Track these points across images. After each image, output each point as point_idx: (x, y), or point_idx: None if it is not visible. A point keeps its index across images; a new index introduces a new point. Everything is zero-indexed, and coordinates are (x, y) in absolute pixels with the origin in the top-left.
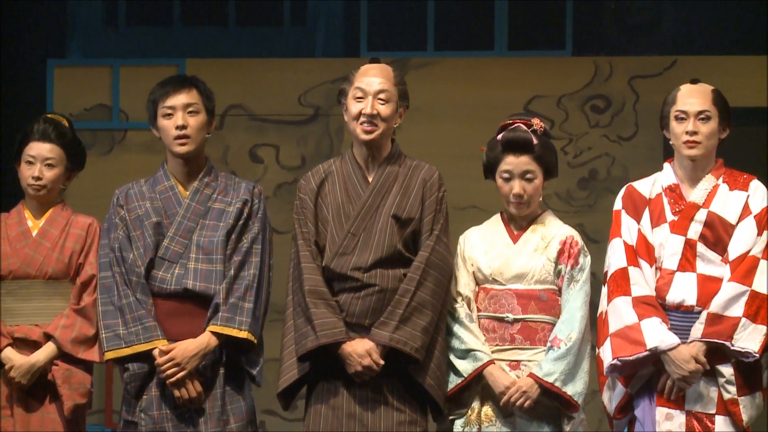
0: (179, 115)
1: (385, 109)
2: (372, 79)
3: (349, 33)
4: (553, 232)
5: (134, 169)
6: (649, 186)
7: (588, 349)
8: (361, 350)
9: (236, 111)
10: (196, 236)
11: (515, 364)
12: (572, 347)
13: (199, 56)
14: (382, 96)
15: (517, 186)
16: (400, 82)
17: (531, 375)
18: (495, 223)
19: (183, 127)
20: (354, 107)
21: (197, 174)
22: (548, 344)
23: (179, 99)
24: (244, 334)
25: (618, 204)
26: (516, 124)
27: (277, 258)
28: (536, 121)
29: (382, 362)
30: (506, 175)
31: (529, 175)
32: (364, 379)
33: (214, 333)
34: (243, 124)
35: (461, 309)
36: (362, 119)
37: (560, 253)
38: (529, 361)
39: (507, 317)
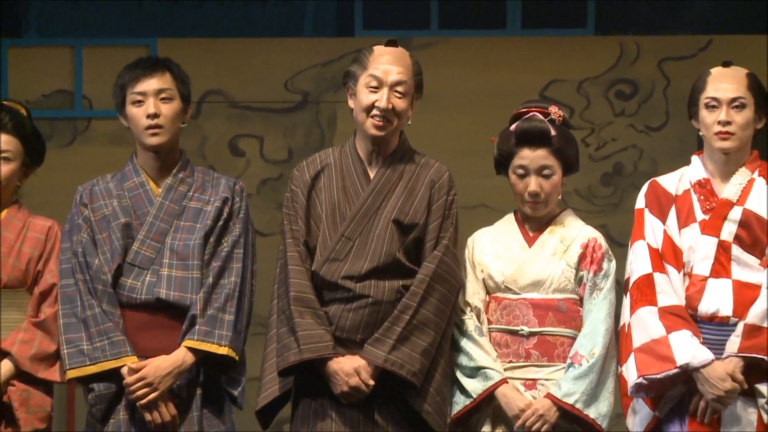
0: (150, 103)
1: (401, 104)
2: (390, 68)
3: (342, 9)
4: (574, 233)
5: (99, 163)
6: (675, 181)
7: (613, 366)
8: (348, 368)
9: (214, 97)
10: (170, 239)
11: (531, 384)
12: (595, 364)
13: (172, 35)
14: (399, 89)
15: (533, 183)
16: (417, 72)
17: (549, 396)
18: (508, 223)
19: (155, 115)
20: (366, 97)
21: (171, 169)
22: (568, 361)
23: (151, 84)
24: (224, 350)
25: (641, 202)
26: (531, 113)
27: (261, 264)
28: (554, 110)
29: (372, 383)
30: (521, 171)
31: (546, 171)
32: (352, 401)
33: (190, 349)
34: (222, 112)
35: (470, 321)
36: (375, 113)
37: (582, 257)
38: (546, 379)
39: (522, 330)
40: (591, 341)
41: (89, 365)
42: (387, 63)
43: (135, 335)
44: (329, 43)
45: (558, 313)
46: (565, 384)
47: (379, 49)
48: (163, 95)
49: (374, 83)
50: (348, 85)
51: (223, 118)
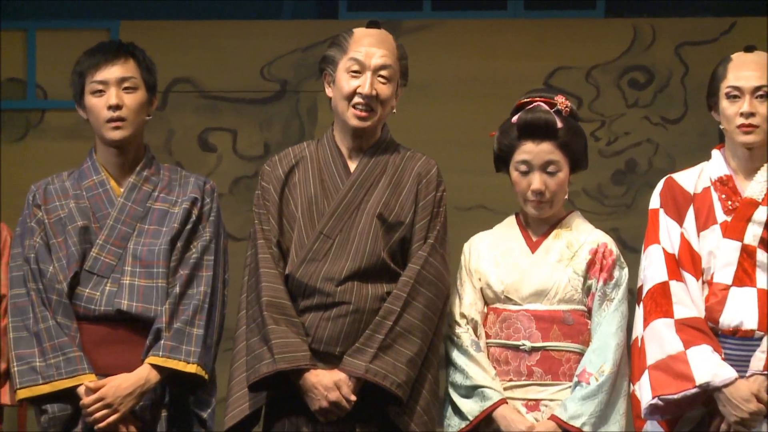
0: (112, 92)
1: (385, 90)
2: (372, 50)
3: None
4: (582, 238)
5: (54, 159)
6: (693, 179)
7: (624, 385)
8: (327, 382)
9: (183, 86)
10: (133, 244)
11: (534, 404)
12: (605, 383)
13: (136, 18)
14: (384, 73)
15: (536, 180)
16: (403, 56)
17: (553, 417)
18: (509, 227)
19: (117, 107)
20: (347, 83)
21: (134, 166)
22: (575, 379)
23: (112, 72)
24: (192, 368)
25: (655, 201)
26: (535, 103)
27: (233, 272)
28: (560, 100)
29: (353, 398)
30: (523, 168)
31: (551, 167)
32: (331, 419)
33: (154, 366)
34: (191, 102)
35: (465, 335)
36: (357, 100)
37: (590, 264)
38: (550, 400)
39: (523, 345)
40: (600, 358)
41: (42, 384)
42: (369, 45)
43: (93, 351)
44: (310, 26)
45: (563, 326)
46: (571, 405)
47: (360, 31)
48: (126, 84)
49: (356, 67)
50: (325, 72)
51: (192, 109)
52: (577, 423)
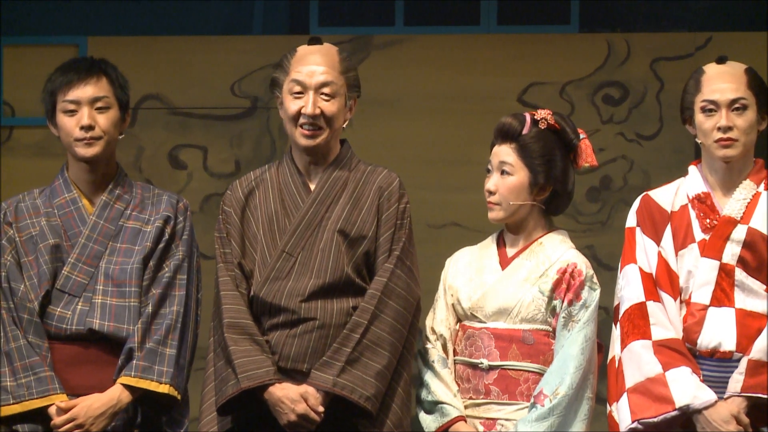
0: (85, 112)
1: (330, 107)
2: (313, 68)
3: (296, 3)
4: (554, 257)
5: (24, 177)
6: (671, 196)
7: (584, 410)
8: (294, 394)
9: (152, 103)
10: (105, 263)
11: (490, 423)
12: (557, 406)
13: (104, 33)
14: (326, 90)
15: (490, 181)
16: (348, 69)
17: None
18: (489, 243)
19: (90, 127)
20: (291, 105)
21: (106, 184)
22: (532, 400)
23: (86, 91)
24: (164, 388)
25: (632, 220)
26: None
27: (206, 291)
28: (542, 111)
29: (321, 409)
30: (488, 168)
31: (505, 167)
32: None
33: (126, 386)
34: (161, 119)
35: (433, 351)
36: (302, 121)
37: (557, 284)
38: (506, 420)
39: (481, 363)
40: (557, 379)
41: (13, 404)
42: (310, 64)
43: (64, 371)
44: (281, 41)
45: (523, 345)
46: (522, 426)
47: (302, 50)
48: (99, 104)
49: (297, 88)
50: (275, 94)
51: (161, 126)
52: None
